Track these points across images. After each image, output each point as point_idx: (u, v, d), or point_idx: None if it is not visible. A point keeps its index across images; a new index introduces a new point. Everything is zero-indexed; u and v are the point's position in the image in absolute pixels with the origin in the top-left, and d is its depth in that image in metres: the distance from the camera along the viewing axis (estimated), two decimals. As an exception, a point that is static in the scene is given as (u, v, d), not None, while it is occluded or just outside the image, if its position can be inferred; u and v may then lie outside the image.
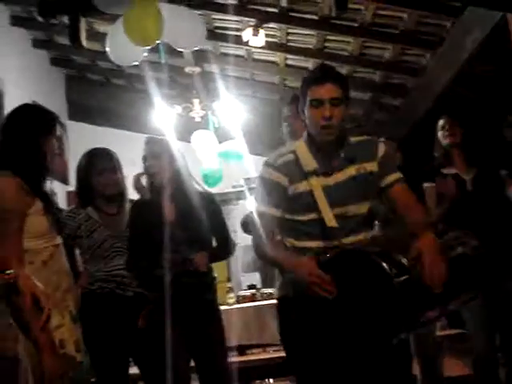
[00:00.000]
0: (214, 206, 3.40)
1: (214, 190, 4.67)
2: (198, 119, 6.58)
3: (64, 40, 6.38)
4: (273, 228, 2.43)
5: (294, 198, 2.40)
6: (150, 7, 3.90)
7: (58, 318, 2.39)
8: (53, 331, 2.28)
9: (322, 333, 2.23)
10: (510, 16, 4.14)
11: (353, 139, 2.49)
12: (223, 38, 6.11)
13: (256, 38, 5.43)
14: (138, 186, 3.51)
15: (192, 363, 3.32)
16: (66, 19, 5.31)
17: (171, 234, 3.11)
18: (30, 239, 2.41)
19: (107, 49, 4.33)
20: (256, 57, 6.57)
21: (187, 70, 6.56)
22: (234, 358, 3.44)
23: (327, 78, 2.38)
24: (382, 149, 2.48)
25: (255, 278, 7.29)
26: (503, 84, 5.25)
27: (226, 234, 3.44)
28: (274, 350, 4.88)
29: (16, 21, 6.39)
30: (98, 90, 8.05)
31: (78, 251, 3.40)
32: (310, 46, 5.96)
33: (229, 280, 6.00)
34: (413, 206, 2.46)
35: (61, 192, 6.43)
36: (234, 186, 7.44)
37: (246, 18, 5.55)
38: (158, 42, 4.04)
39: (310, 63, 6.30)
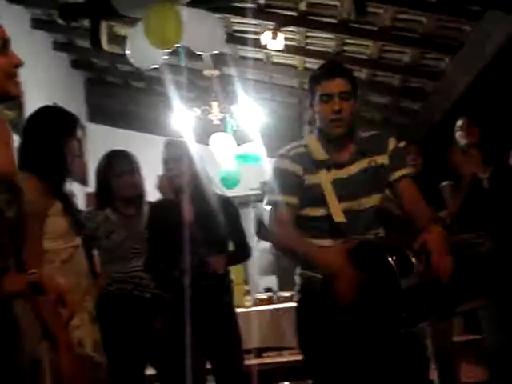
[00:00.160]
0: (232, 208, 3.42)
1: (231, 193, 4.67)
2: (216, 122, 6.60)
3: (84, 43, 6.43)
4: (288, 216, 2.39)
5: (306, 190, 2.40)
6: (170, 11, 3.93)
7: (77, 318, 2.41)
8: (72, 331, 2.30)
9: (341, 334, 2.24)
10: (530, 20, 4.12)
11: (363, 133, 2.51)
12: (242, 41, 6.13)
13: (275, 42, 5.44)
14: (162, 188, 3.52)
15: (208, 365, 3.33)
16: (86, 22, 5.35)
17: (190, 236, 3.13)
18: (49, 240, 2.43)
19: (127, 52, 4.37)
20: (275, 60, 6.58)
21: (206, 73, 6.58)
22: (250, 361, 3.44)
23: (336, 72, 2.42)
24: (392, 143, 2.50)
25: (272, 280, 7.30)
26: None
27: (244, 237, 3.46)
28: (290, 354, 4.88)
29: (37, 23, 6.44)
30: (118, 93, 8.10)
31: (95, 252, 3.42)
32: (329, 50, 5.95)
33: (246, 282, 6.02)
34: (419, 202, 2.47)
35: (80, 193, 6.48)
36: (251, 189, 7.45)
37: (265, 22, 5.56)
38: (177, 45, 4.06)
39: (328, 67, 6.28)
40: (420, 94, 6.40)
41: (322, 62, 6.16)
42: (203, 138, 6.17)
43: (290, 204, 2.39)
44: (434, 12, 4.83)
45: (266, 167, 6.04)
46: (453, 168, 3.75)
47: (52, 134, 2.50)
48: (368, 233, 2.40)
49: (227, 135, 6.57)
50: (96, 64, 7.69)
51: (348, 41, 5.74)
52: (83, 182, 6.73)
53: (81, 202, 6.44)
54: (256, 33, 5.87)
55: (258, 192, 7.31)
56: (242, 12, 5.46)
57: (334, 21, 5.38)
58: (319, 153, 2.43)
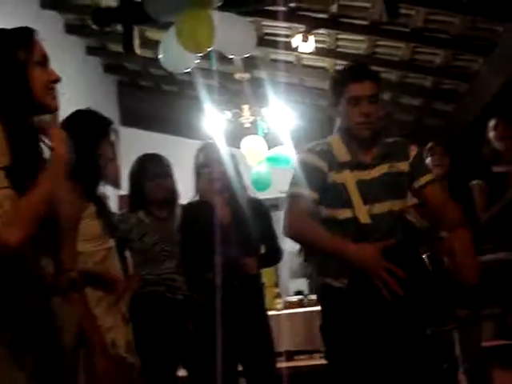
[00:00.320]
0: (264, 211, 3.43)
1: (262, 196, 4.68)
2: (247, 125, 6.61)
3: (117, 47, 6.51)
4: (307, 210, 2.35)
5: (330, 188, 2.37)
6: (202, 15, 3.95)
7: (111, 319, 2.44)
8: (105, 332, 2.33)
9: (369, 341, 2.22)
10: None
11: (386, 139, 2.50)
12: (273, 44, 6.14)
13: (305, 44, 5.44)
14: (203, 191, 3.49)
15: (240, 367, 3.34)
16: (119, 27, 5.41)
17: (225, 238, 3.15)
18: (83, 242, 2.46)
19: (160, 56, 4.40)
20: (305, 63, 6.57)
21: (237, 76, 6.60)
22: (281, 364, 3.44)
23: (365, 75, 2.41)
24: (413, 150, 2.50)
25: (302, 283, 7.28)
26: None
27: (276, 240, 3.47)
28: (321, 357, 4.86)
29: (70, 29, 6.53)
30: (150, 97, 8.17)
31: (128, 254, 3.45)
32: (360, 52, 5.93)
33: (277, 285, 6.02)
34: (447, 205, 2.47)
35: (112, 196, 6.55)
36: (282, 192, 7.43)
37: (296, 25, 5.56)
38: (209, 49, 4.08)
39: (359, 69, 6.26)
40: (453, 96, 6.34)
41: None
42: (234, 141, 6.19)
43: (310, 198, 2.36)
44: (466, 13, 4.78)
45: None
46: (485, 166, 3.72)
47: (85, 137, 2.51)
48: (391, 237, 2.36)
49: (258, 138, 6.57)
50: (128, 68, 7.77)
51: (379, 42, 5.71)
52: (116, 184, 6.79)
53: (114, 205, 6.51)
54: (287, 36, 5.88)
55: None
56: (272, 15, 5.47)
57: (365, 23, 5.36)
58: (342, 153, 2.42)
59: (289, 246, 5.77)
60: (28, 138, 1.80)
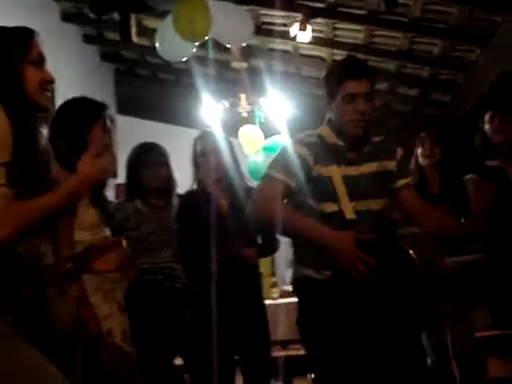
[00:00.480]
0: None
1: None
2: (244, 114, 6.61)
3: (114, 35, 6.48)
4: (281, 196, 2.32)
5: (316, 181, 2.36)
6: (199, 3, 3.95)
7: (107, 308, 2.44)
8: (101, 321, 2.33)
9: (350, 324, 2.22)
10: None
11: (375, 137, 2.49)
12: (270, 33, 6.12)
13: (303, 34, 5.42)
14: (200, 180, 3.48)
15: (236, 356, 3.35)
16: (116, 15, 5.39)
17: (223, 227, 3.15)
18: (80, 230, 2.45)
19: (157, 45, 4.39)
20: (303, 52, 6.55)
21: (234, 65, 6.59)
22: (276, 353, 3.45)
23: (363, 72, 2.38)
24: (400, 151, 2.51)
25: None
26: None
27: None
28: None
29: (67, 17, 6.50)
30: (147, 85, 8.15)
31: (125, 243, 3.45)
32: (358, 41, 5.92)
33: (273, 275, 6.03)
34: (422, 209, 2.51)
35: (109, 184, 6.54)
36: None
37: (294, 14, 5.54)
38: (206, 38, 4.08)
39: (357, 58, 6.25)
40: (450, 86, 6.34)
41: (350, 53, 6.18)
42: (231, 130, 6.18)
43: (286, 185, 2.32)
44: (464, 3, 4.77)
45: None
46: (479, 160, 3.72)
47: (75, 122, 2.47)
48: (374, 233, 2.36)
49: (255, 127, 6.57)
50: (125, 56, 7.75)
51: (377, 32, 5.70)
52: (113, 173, 6.79)
53: (110, 194, 6.51)
54: (284, 25, 5.86)
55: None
56: (270, 4, 5.45)
57: (362, 12, 5.34)
58: (333, 146, 2.39)
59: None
60: (30, 135, 1.81)
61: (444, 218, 2.52)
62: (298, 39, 5.56)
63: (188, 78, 7.16)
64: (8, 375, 1.65)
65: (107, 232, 2.63)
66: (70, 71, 6.09)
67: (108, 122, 2.58)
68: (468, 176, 3.70)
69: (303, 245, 2.41)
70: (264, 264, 4.07)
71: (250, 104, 6.59)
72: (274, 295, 5.53)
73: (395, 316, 2.19)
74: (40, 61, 1.88)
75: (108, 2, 5.17)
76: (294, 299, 2.43)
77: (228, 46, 4.84)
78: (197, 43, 4.18)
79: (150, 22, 6.14)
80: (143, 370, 2.81)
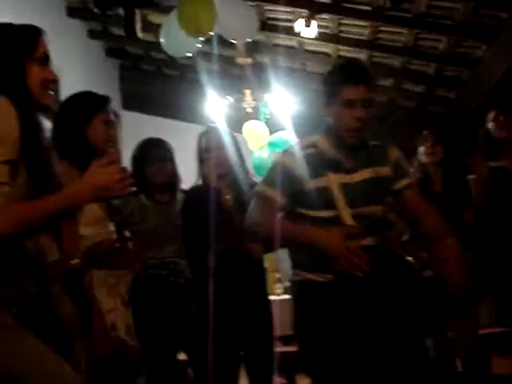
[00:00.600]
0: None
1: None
2: (249, 110, 6.60)
3: (119, 31, 6.49)
4: (273, 213, 2.35)
5: (312, 193, 2.35)
6: (204, -1, 3.94)
7: (110, 302, 2.45)
8: (105, 315, 2.34)
9: (350, 328, 2.21)
10: None
11: (371, 142, 2.48)
12: (275, 29, 6.11)
13: (308, 29, 5.41)
14: (205, 175, 3.48)
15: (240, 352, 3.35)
16: (121, 10, 5.39)
17: (228, 222, 3.15)
18: (85, 226, 2.46)
19: (161, 40, 4.39)
20: (308, 48, 6.55)
21: (239, 60, 6.58)
22: (280, 348, 3.45)
23: (363, 79, 2.36)
24: (394, 153, 2.48)
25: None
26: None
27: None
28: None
29: (72, 12, 6.51)
30: (152, 81, 8.15)
31: (130, 245, 3.45)
32: (363, 37, 5.91)
33: (277, 270, 6.03)
34: (427, 210, 2.48)
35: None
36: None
37: (299, 9, 5.53)
38: (211, 33, 4.07)
39: (362, 54, 6.25)
40: (456, 83, 6.32)
41: (355, 49, 6.18)
42: (236, 125, 6.18)
43: (276, 200, 2.35)
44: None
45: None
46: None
47: (75, 116, 2.48)
48: (374, 238, 2.36)
49: (260, 123, 6.57)
50: (130, 52, 7.75)
51: (382, 28, 5.69)
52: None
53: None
54: (289, 20, 5.85)
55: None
56: (275, -1, 5.45)
57: (368, 8, 5.33)
58: (330, 155, 2.39)
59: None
60: (36, 130, 1.81)
61: (443, 223, 2.47)
62: (303, 35, 5.55)
63: (193, 73, 7.16)
64: (13, 366, 1.66)
65: (112, 227, 2.63)
66: (75, 67, 6.10)
67: (111, 116, 2.57)
68: (471, 176, 3.71)
69: (299, 248, 2.41)
70: (268, 259, 4.07)
71: (254, 100, 6.58)
72: (278, 291, 5.54)
73: (396, 320, 2.19)
74: (45, 59, 1.89)
75: (113, -2, 5.18)
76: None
77: (233, 41, 4.84)
78: (201, 39, 4.18)
79: (154, 18, 6.14)
80: (147, 364, 2.82)
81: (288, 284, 2.53)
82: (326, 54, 6.56)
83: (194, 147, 3.44)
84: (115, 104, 2.79)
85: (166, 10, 4.50)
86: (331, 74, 2.46)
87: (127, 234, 3.36)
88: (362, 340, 2.20)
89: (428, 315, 2.21)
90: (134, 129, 5.30)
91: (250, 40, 4.87)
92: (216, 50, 5.33)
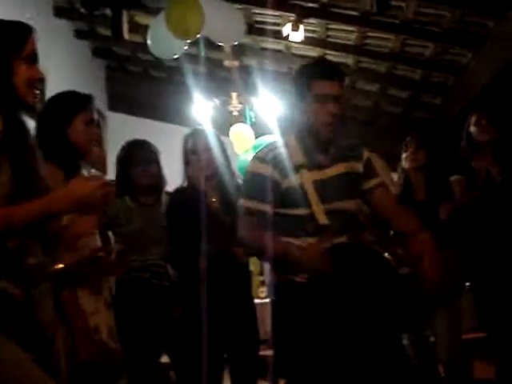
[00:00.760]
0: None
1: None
2: (235, 113, 6.60)
3: (106, 31, 6.46)
4: (259, 225, 2.36)
5: (286, 193, 2.35)
6: (192, 1, 3.94)
7: (93, 304, 2.43)
8: (88, 317, 2.33)
9: (326, 331, 2.20)
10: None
11: (341, 140, 2.50)
12: (263, 32, 6.12)
13: (296, 33, 5.43)
14: (191, 178, 3.47)
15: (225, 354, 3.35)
16: (108, 11, 5.38)
17: (213, 224, 3.15)
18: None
19: (148, 42, 4.39)
20: (295, 52, 6.56)
21: (226, 63, 6.58)
22: (263, 352, 3.45)
23: (336, 74, 2.38)
24: (366, 152, 2.51)
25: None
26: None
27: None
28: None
29: (59, 11, 6.48)
30: (138, 82, 8.12)
31: (112, 240, 3.43)
32: (350, 42, 5.93)
33: (261, 274, 6.02)
34: (397, 209, 2.50)
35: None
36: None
37: (286, 13, 5.55)
38: (198, 35, 4.07)
39: (349, 59, 6.27)
40: (441, 89, 6.36)
41: (342, 54, 6.20)
42: (222, 128, 6.17)
43: (265, 212, 2.35)
44: (457, 7, 4.79)
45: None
46: (465, 162, 3.77)
47: (55, 117, 2.44)
48: (345, 235, 2.37)
49: (246, 126, 6.57)
50: (117, 52, 7.72)
51: (369, 34, 5.71)
52: (102, 169, 6.76)
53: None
54: (277, 24, 5.86)
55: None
56: (263, 3, 5.45)
57: (355, 13, 5.35)
58: (298, 154, 2.39)
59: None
60: (21, 130, 1.80)
61: (414, 220, 2.48)
62: (291, 39, 5.56)
63: (180, 75, 7.15)
64: None
65: (95, 230, 2.61)
66: (61, 66, 6.07)
67: (93, 115, 2.53)
68: (453, 177, 3.75)
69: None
70: (252, 262, 4.07)
71: (241, 103, 6.58)
72: (262, 294, 5.53)
73: (374, 319, 2.19)
74: (33, 58, 1.87)
75: (100, -2, 5.16)
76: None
77: (220, 44, 4.84)
78: (189, 41, 4.17)
79: (142, 19, 6.12)
80: (129, 367, 2.81)
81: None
82: (313, 58, 6.57)
83: (180, 149, 3.44)
84: (99, 103, 2.75)
85: (154, 12, 4.50)
86: (302, 71, 2.47)
87: (111, 235, 3.36)
88: (339, 342, 2.20)
89: (404, 312, 2.22)
90: (120, 130, 5.27)
91: (236, 43, 4.88)
92: (203, 52, 5.34)
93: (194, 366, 3.11)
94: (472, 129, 3.78)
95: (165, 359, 3.49)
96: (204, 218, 3.12)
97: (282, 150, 2.39)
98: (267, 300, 5.35)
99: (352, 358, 2.20)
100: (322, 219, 2.31)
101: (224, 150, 3.40)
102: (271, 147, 2.44)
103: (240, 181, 3.48)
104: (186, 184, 3.45)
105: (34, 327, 1.75)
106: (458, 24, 5.05)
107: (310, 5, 5.43)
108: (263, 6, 5.52)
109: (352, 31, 5.73)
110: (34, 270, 1.76)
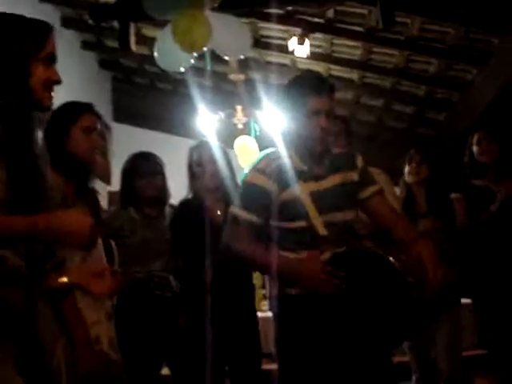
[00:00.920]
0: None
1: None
2: (240, 126, 6.63)
3: (113, 43, 6.50)
4: (248, 235, 2.35)
5: (284, 205, 2.36)
6: (199, 15, 3.96)
7: (94, 315, 2.43)
8: (89, 327, 2.33)
9: (330, 344, 2.21)
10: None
11: (334, 150, 2.52)
12: (268, 46, 6.15)
13: (301, 48, 5.46)
14: (197, 190, 3.48)
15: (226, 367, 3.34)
16: (115, 23, 5.41)
17: (218, 236, 3.15)
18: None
19: (155, 54, 4.41)
20: (300, 66, 6.59)
21: (232, 77, 6.61)
22: (265, 365, 3.44)
23: (328, 90, 2.41)
24: (360, 160, 2.51)
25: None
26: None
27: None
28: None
29: (66, 22, 6.53)
30: (144, 94, 8.16)
31: (116, 251, 3.44)
32: (355, 58, 5.96)
33: (263, 287, 6.02)
34: (396, 216, 2.51)
35: (102, 192, 6.53)
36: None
37: (292, 28, 5.58)
38: (204, 49, 4.09)
39: (354, 74, 6.29)
40: (445, 105, 6.38)
41: (347, 69, 6.23)
42: (227, 141, 6.19)
43: (252, 223, 2.36)
44: (462, 24, 4.82)
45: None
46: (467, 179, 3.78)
47: (53, 129, 2.42)
48: (343, 246, 2.36)
49: (251, 139, 6.59)
50: (123, 64, 7.76)
51: (374, 49, 5.74)
52: (106, 180, 6.78)
53: (104, 201, 6.50)
54: (282, 38, 5.90)
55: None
56: (269, 17, 5.48)
57: (360, 29, 5.38)
58: (297, 166, 2.41)
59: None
60: (24, 133, 1.78)
61: (413, 228, 2.49)
62: (296, 53, 5.59)
63: (185, 88, 7.17)
64: None
65: (99, 241, 2.62)
66: (68, 77, 6.02)
67: (92, 123, 2.51)
68: (453, 195, 3.75)
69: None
70: (255, 275, 4.07)
71: (245, 116, 6.61)
72: (264, 308, 5.52)
73: (374, 331, 2.20)
74: (51, 59, 1.84)
75: (108, 10, 5.20)
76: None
77: (226, 57, 4.87)
78: (195, 54, 4.19)
79: (149, 31, 6.17)
80: (130, 378, 2.81)
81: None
82: (303, 71, 6.58)
83: (185, 161, 3.45)
84: (102, 113, 2.75)
85: (161, 24, 4.51)
86: (295, 86, 2.47)
87: (114, 246, 3.37)
88: (342, 354, 2.21)
89: (407, 318, 2.22)
90: (125, 142, 5.29)
91: (242, 57, 4.90)
92: (209, 65, 5.36)
93: (195, 379, 3.11)
94: (474, 148, 3.79)
95: (165, 371, 3.49)
96: (208, 231, 3.12)
97: (281, 162, 2.41)
98: (269, 313, 5.34)
99: (356, 371, 2.21)
100: (322, 231, 2.32)
101: (229, 163, 3.41)
102: (270, 159, 2.45)
103: None
104: (191, 196, 3.45)
105: (34, 337, 1.75)
106: (462, 41, 5.08)
107: (316, 20, 5.47)
108: (269, 20, 5.56)
109: (357, 47, 5.76)
110: (40, 281, 1.76)
